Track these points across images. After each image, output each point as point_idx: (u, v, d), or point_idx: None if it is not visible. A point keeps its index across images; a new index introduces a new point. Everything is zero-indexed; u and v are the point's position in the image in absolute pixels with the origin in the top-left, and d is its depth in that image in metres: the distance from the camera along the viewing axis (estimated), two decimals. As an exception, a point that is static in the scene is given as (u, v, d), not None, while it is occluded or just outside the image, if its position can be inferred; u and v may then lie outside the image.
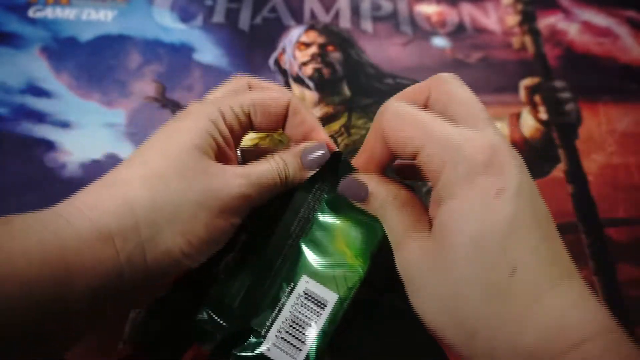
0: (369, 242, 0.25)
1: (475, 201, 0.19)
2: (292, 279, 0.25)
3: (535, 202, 0.19)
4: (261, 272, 0.25)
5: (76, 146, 0.38)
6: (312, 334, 0.24)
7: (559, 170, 0.39)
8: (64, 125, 0.39)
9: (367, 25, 0.48)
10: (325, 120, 0.40)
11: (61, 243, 0.19)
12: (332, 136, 0.39)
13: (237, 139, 0.26)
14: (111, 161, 0.37)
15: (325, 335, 0.24)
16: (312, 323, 0.24)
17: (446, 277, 0.19)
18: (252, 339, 0.24)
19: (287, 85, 0.43)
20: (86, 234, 0.20)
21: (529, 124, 0.41)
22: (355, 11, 0.49)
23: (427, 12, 0.49)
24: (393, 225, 0.23)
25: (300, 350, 0.24)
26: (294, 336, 0.24)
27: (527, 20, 0.49)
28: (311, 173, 0.26)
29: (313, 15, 0.48)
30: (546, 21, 0.49)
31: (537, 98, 0.43)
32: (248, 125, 0.25)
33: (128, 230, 0.21)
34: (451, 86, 0.22)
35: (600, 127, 0.42)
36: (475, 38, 0.47)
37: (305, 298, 0.25)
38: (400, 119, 0.22)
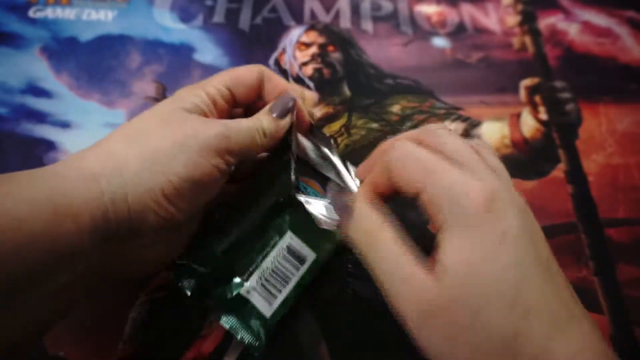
0: None
1: (482, 246, 0.19)
2: (279, 232, 0.28)
3: (537, 244, 0.20)
4: (247, 224, 0.28)
5: (76, 146, 0.38)
6: (289, 284, 0.27)
7: (559, 171, 0.39)
8: (64, 125, 0.39)
9: (368, 25, 0.48)
10: (326, 120, 0.40)
11: (49, 186, 0.21)
12: (332, 136, 0.39)
13: (224, 113, 0.28)
14: (111, 161, 0.37)
15: (299, 287, 0.28)
16: (290, 275, 0.27)
17: (470, 329, 0.19)
18: (234, 282, 0.27)
19: (287, 85, 0.43)
20: (72, 177, 0.21)
21: (529, 124, 0.41)
22: (356, 11, 0.49)
23: (427, 12, 0.49)
24: (395, 253, 0.21)
25: (276, 297, 0.27)
26: (272, 284, 0.27)
27: (528, 20, 0.49)
28: (284, 122, 0.28)
29: (313, 15, 0.48)
30: (546, 21, 0.49)
31: (537, 98, 0.43)
32: (231, 98, 0.28)
33: (110, 174, 0.22)
34: (441, 139, 0.23)
35: (600, 128, 0.42)
36: (476, 38, 0.47)
37: (288, 252, 0.28)
38: (407, 158, 0.22)
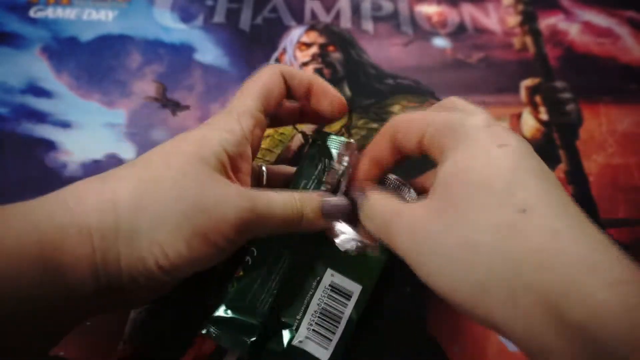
0: None
1: (478, 152, 0.19)
2: (317, 273, 0.26)
3: (539, 160, 0.20)
4: (284, 268, 0.26)
5: (77, 146, 0.38)
6: (341, 323, 0.25)
7: (559, 171, 0.39)
8: (65, 125, 0.39)
9: (368, 25, 0.48)
10: (326, 120, 0.40)
11: (40, 237, 0.19)
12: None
13: (257, 139, 0.25)
14: (112, 161, 0.37)
15: (352, 323, 0.26)
16: (340, 314, 0.25)
17: (455, 227, 0.18)
18: (285, 333, 0.25)
19: (288, 85, 0.43)
20: (66, 228, 0.19)
21: (529, 125, 0.41)
22: (356, 11, 0.49)
23: (427, 12, 0.49)
24: (383, 204, 0.23)
25: (331, 340, 0.25)
26: (324, 327, 0.25)
27: (528, 20, 0.49)
28: (328, 224, 0.25)
29: (314, 15, 0.48)
30: (547, 21, 0.49)
31: (537, 98, 0.43)
32: (264, 120, 0.25)
33: (107, 228, 0.20)
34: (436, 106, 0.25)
35: (600, 128, 0.42)
36: (476, 38, 0.47)
37: (332, 290, 0.26)
38: (406, 115, 0.24)
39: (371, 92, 0.43)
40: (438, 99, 0.42)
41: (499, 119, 0.42)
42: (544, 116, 0.42)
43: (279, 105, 0.26)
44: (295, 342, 0.25)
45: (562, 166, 0.39)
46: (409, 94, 0.43)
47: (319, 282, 0.26)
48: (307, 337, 0.25)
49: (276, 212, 0.23)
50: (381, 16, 0.49)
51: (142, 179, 0.21)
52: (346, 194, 0.26)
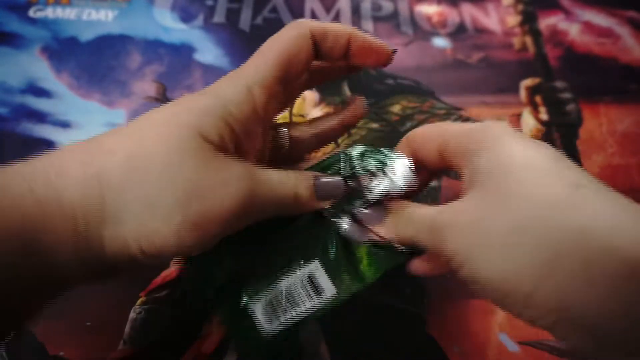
0: (390, 260, 0.25)
1: (514, 145, 0.19)
2: (306, 257, 0.25)
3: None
4: (277, 238, 0.26)
5: (76, 146, 0.38)
6: (296, 310, 0.25)
7: (559, 171, 0.39)
8: (65, 125, 0.39)
9: (368, 25, 0.48)
10: (326, 120, 0.40)
11: (21, 214, 0.17)
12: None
13: (271, 112, 0.23)
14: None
15: (305, 322, 0.25)
16: (301, 303, 0.25)
17: (508, 213, 0.18)
18: (244, 292, 0.25)
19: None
20: (48, 205, 0.17)
21: (529, 125, 0.41)
22: (356, 11, 0.49)
23: (427, 12, 0.49)
24: (420, 209, 0.22)
25: (279, 318, 0.25)
26: (280, 305, 0.25)
27: (528, 20, 0.49)
28: (322, 204, 0.24)
29: (313, 15, 0.48)
30: (547, 21, 0.49)
31: (537, 98, 0.43)
32: (280, 92, 0.22)
33: (91, 208, 0.18)
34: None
35: (601, 128, 0.42)
36: (476, 38, 0.47)
37: (308, 281, 0.25)
38: (423, 127, 0.23)
39: (371, 92, 0.43)
40: (438, 99, 0.42)
41: (499, 119, 0.42)
42: (544, 116, 0.42)
43: (303, 72, 0.23)
44: (249, 303, 0.25)
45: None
46: (409, 94, 0.43)
47: (301, 267, 0.25)
48: (261, 306, 0.25)
49: (276, 192, 0.21)
50: (381, 16, 0.49)
51: (132, 154, 0.19)
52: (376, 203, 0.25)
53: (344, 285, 0.25)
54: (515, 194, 0.18)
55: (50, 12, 0.46)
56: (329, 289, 0.25)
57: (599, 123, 0.42)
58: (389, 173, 0.24)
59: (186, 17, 0.47)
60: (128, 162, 0.19)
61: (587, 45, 0.47)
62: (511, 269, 0.17)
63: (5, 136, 0.38)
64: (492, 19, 0.49)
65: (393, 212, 0.23)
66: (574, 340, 0.17)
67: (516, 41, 0.47)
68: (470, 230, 0.19)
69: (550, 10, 0.50)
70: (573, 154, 0.40)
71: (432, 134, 0.22)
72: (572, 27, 0.49)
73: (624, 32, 0.49)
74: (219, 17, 0.47)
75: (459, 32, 0.48)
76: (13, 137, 0.38)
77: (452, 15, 0.49)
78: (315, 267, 0.25)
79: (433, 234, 0.20)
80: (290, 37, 0.23)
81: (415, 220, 0.22)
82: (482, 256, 0.18)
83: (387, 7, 0.50)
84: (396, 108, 0.42)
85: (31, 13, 0.46)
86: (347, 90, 0.43)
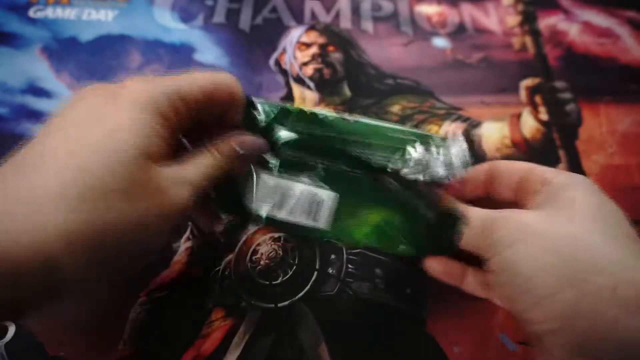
0: (389, 245, 0.26)
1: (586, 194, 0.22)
2: (330, 185, 0.26)
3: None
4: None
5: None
6: (284, 209, 0.26)
7: (559, 171, 0.39)
8: (65, 125, 0.39)
9: (368, 25, 0.48)
10: (326, 120, 0.40)
11: None
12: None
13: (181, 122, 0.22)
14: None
15: (287, 226, 0.26)
16: (296, 212, 0.26)
17: (568, 228, 0.20)
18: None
19: (288, 85, 0.43)
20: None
21: (529, 125, 0.41)
22: (356, 11, 0.49)
23: (427, 12, 0.49)
24: (482, 211, 0.24)
25: (270, 208, 0.26)
26: (279, 199, 0.26)
27: (528, 20, 0.49)
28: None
29: (313, 15, 0.48)
30: (547, 21, 0.49)
31: (537, 98, 0.43)
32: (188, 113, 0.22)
33: (41, 284, 0.16)
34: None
35: (600, 128, 0.42)
36: (476, 38, 0.47)
37: (316, 201, 0.26)
38: (509, 162, 0.25)
39: (371, 92, 0.43)
40: (438, 99, 0.42)
41: (499, 119, 0.42)
42: (544, 116, 0.42)
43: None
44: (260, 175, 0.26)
45: (562, 166, 0.39)
46: (408, 94, 0.43)
47: (319, 189, 0.26)
48: (270, 188, 0.26)
49: (212, 174, 0.22)
50: (381, 16, 0.49)
51: (80, 191, 0.17)
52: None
53: (340, 228, 0.26)
54: (571, 219, 0.20)
55: (50, 12, 0.46)
56: (324, 222, 0.26)
57: (599, 123, 0.42)
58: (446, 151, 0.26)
59: (186, 17, 0.47)
60: (82, 206, 0.17)
61: (587, 45, 0.47)
62: (547, 269, 0.19)
63: (6, 136, 0.38)
64: (492, 19, 0.49)
65: (459, 213, 0.24)
66: (559, 352, 0.19)
67: (516, 41, 0.47)
68: (525, 227, 0.21)
69: (550, 10, 0.50)
70: (573, 154, 0.40)
71: (519, 167, 0.24)
72: (572, 27, 0.49)
73: (623, 32, 0.49)
74: (218, 17, 0.47)
75: (459, 32, 0.48)
76: (13, 137, 0.38)
77: (452, 15, 0.49)
78: (329, 197, 0.26)
79: (484, 224, 0.22)
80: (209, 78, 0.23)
81: (470, 212, 0.24)
82: (527, 249, 0.20)
83: (387, 7, 0.50)
84: (396, 108, 0.42)
85: (31, 13, 0.46)
86: (347, 91, 0.43)
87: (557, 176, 0.23)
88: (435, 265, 0.26)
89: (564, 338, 0.19)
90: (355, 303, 0.31)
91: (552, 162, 0.39)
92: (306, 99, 0.42)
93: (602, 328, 0.18)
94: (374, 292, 0.32)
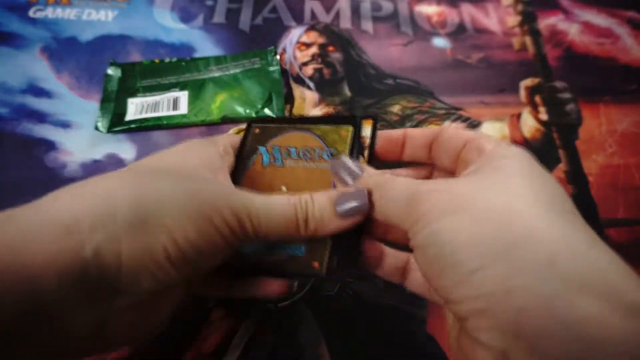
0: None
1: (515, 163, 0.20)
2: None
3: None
4: None
5: (77, 146, 0.38)
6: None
7: (559, 171, 0.39)
8: (64, 125, 0.39)
9: (368, 25, 0.48)
10: (326, 120, 0.40)
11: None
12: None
13: None
14: (111, 161, 0.37)
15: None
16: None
17: (501, 197, 0.18)
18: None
19: (288, 85, 0.43)
20: (32, 226, 0.16)
21: (529, 125, 0.41)
22: (356, 11, 0.49)
23: (427, 12, 0.49)
24: (402, 178, 0.22)
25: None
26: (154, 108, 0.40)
27: (528, 20, 0.49)
28: (347, 223, 0.22)
29: (313, 15, 0.48)
30: (546, 22, 0.49)
31: (537, 98, 0.43)
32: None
33: (99, 217, 0.17)
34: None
35: (600, 128, 0.42)
36: (476, 38, 0.47)
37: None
38: (456, 130, 0.24)
39: (371, 92, 0.43)
40: (438, 99, 0.42)
41: (499, 119, 0.42)
42: (543, 116, 0.42)
43: None
44: None
45: (561, 166, 0.39)
46: (408, 94, 0.43)
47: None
48: None
49: (279, 210, 0.21)
50: (381, 16, 0.49)
51: (138, 171, 0.20)
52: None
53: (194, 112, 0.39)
54: (504, 183, 0.19)
55: (50, 12, 0.46)
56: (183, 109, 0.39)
57: (599, 123, 0.42)
58: None
59: (186, 17, 0.47)
60: (137, 178, 0.20)
61: (587, 45, 0.48)
62: (474, 241, 0.17)
63: (6, 136, 0.38)
64: (492, 19, 0.49)
65: (374, 175, 0.22)
66: (486, 336, 0.16)
67: (516, 41, 0.47)
68: (453, 199, 0.18)
69: (549, 10, 0.50)
70: (573, 154, 0.40)
71: (460, 135, 0.23)
72: (572, 27, 0.49)
73: (623, 32, 0.49)
74: (218, 17, 0.47)
75: (458, 32, 0.48)
76: (13, 137, 0.38)
77: (452, 15, 0.49)
78: (185, 94, 0.37)
79: (409, 197, 0.20)
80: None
81: (394, 183, 0.21)
82: (453, 222, 0.18)
83: (387, 7, 0.50)
84: (396, 108, 0.42)
85: (31, 13, 0.46)
86: (347, 91, 0.43)
87: (496, 147, 0.21)
88: (413, 283, 0.24)
89: (492, 320, 0.16)
90: (355, 303, 0.32)
91: (552, 162, 0.39)
92: (306, 99, 0.42)
93: (539, 306, 0.15)
94: (374, 292, 0.32)
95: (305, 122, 0.27)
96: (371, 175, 0.22)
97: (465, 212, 0.18)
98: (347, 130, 0.26)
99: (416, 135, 0.25)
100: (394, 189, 0.21)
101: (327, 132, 0.26)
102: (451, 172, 0.24)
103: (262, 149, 0.26)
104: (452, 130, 0.24)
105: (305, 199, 0.22)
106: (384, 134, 0.26)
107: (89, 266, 0.17)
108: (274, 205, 0.21)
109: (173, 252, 0.18)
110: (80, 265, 0.17)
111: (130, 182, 0.19)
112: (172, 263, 0.18)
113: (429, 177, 0.26)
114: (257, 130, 0.27)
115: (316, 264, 0.23)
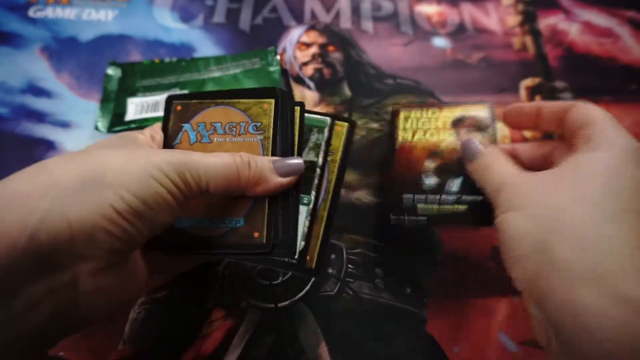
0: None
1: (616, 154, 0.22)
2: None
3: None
4: None
5: (76, 146, 0.38)
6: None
7: (559, 171, 0.39)
8: (64, 125, 0.39)
9: (368, 25, 0.48)
10: (326, 120, 0.40)
11: None
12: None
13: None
14: (111, 161, 0.37)
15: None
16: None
17: (561, 197, 0.21)
18: None
19: (288, 85, 0.43)
20: None
21: (529, 125, 0.41)
22: (356, 11, 0.49)
23: (427, 12, 0.49)
24: (505, 165, 0.26)
25: None
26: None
27: (528, 20, 0.49)
28: (283, 181, 0.24)
29: (313, 15, 0.48)
30: (547, 21, 0.49)
31: (537, 98, 0.43)
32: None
33: (44, 189, 0.19)
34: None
35: (600, 128, 0.42)
36: (476, 38, 0.47)
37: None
38: (584, 108, 0.26)
39: (371, 92, 0.42)
40: (438, 99, 0.42)
41: (499, 120, 0.42)
42: (544, 116, 0.42)
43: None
44: None
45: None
46: (409, 94, 0.43)
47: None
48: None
49: (213, 161, 0.23)
50: (381, 16, 0.49)
51: (74, 152, 0.22)
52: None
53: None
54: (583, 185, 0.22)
55: (50, 12, 0.46)
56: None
57: (599, 123, 0.42)
58: None
59: (186, 17, 0.47)
60: (72, 154, 0.21)
61: (587, 45, 0.47)
62: (524, 235, 0.22)
63: (6, 136, 0.38)
64: (492, 19, 0.49)
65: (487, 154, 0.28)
66: (530, 308, 0.21)
67: (516, 41, 0.47)
68: (520, 198, 0.23)
69: (550, 10, 0.50)
70: (573, 154, 0.40)
71: (586, 116, 0.25)
72: (572, 27, 0.49)
73: (623, 32, 0.49)
74: (218, 17, 0.47)
75: (459, 32, 0.48)
76: (13, 137, 0.38)
77: (452, 15, 0.49)
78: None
79: (497, 186, 0.25)
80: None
81: (496, 167, 0.26)
82: (515, 217, 0.22)
83: (387, 7, 0.50)
84: (396, 108, 0.41)
85: (31, 13, 0.46)
86: (347, 91, 0.43)
87: (602, 139, 0.23)
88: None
89: (530, 299, 0.21)
90: (355, 303, 0.31)
91: (552, 162, 0.39)
92: (306, 98, 0.42)
93: (557, 297, 0.19)
94: (374, 292, 0.32)
95: (227, 96, 0.27)
96: (485, 155, 0.28)
97: (524, 209, 0.22)
98: (270, 104, 0.26)
99: (548, 109, 0.28)
100: (492, 173, 0.26)
101: (250, 106, 0.27)
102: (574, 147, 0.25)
103: (187, 126, 0.27)
104: (582, 108, 0.25)
105: (244, 154, 0.24)
106: (514, 107, 0.31)
107: (38, 233, 0.18)
108: (212, 157, 0.23)
109: (120, 207, 0.19)
110: (29, 234, 0.17)
111: (72, 156, 0.21)
112: (123, 217, 0.19)
113: (551, 151, 0.28)
114: (179, 108, 0.27)
115: (256, 234, 0.24)
